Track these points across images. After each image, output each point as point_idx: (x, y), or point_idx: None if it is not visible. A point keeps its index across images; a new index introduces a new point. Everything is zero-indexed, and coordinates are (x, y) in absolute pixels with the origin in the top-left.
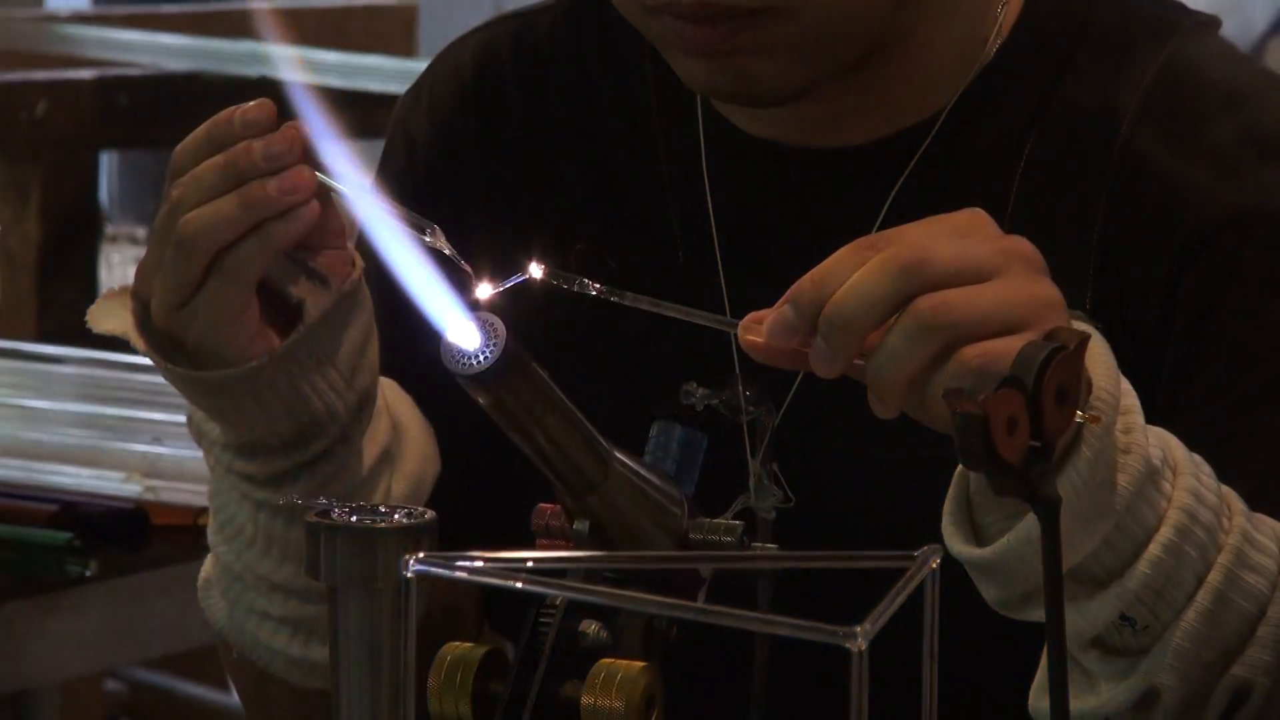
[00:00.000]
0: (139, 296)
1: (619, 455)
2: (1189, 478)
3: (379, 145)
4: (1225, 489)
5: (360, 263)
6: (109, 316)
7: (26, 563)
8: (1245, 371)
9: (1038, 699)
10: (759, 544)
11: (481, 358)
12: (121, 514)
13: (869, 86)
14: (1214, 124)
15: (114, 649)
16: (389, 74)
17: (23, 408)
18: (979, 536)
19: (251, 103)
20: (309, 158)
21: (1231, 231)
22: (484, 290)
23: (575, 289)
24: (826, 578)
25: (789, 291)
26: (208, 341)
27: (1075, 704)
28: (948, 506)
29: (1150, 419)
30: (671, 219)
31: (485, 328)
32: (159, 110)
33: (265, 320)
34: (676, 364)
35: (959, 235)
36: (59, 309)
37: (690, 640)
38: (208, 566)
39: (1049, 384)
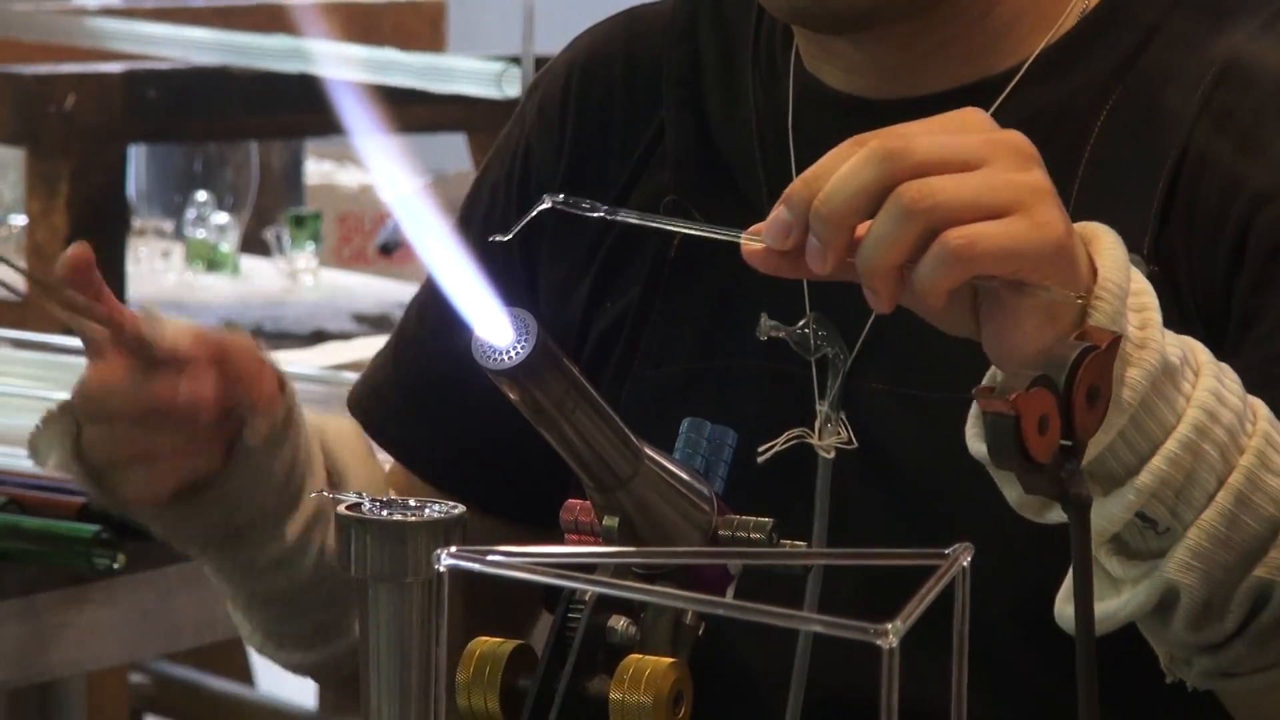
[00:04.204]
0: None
1: (648, 451)
2: (1210, 379)
3: (409, 140)
4: (1252, 398)
5: (291, 387)
6: (49, 448)
7: (54, 555)
8: None
9: (1063, 606)
10: (791, 542)
11: (513, 352)
12: None
13: (943, 27)
14: None
15: (140, 642)
16: (418, 69)
17: (49, 400)
18: None
19: None
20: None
21: None
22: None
23: (585, 213)
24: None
25: (784, 193)
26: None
27: (1098, 607)
28: (973, 415)
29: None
30: (759, 177)
31: (517, 322)
32: (188, 104)
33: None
34: (755, 310)
35: (949, 129)
36: None
37: (718, 636)
38: None
39: (1080, 383)
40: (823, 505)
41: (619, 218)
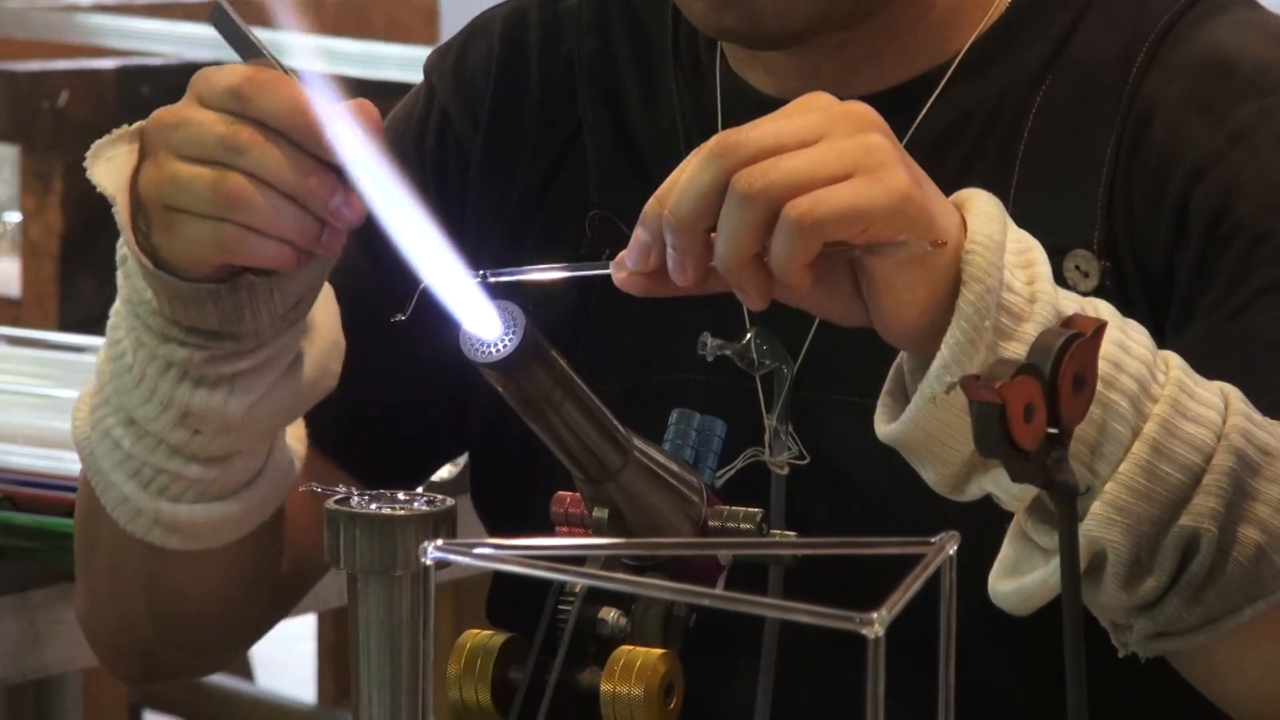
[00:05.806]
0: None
1: (638, 442)
2: (1114, 331)
3: None
4: (1164, 351)
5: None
6: (106, 164)
7: (48, 551)
8: (1246, 278)
9: (996, 581)
10: (777, 531)
11: (501, 345)
12: None
13: (877, 33)
14: (1220, 71)
15: None
16: (410, 63)
17: (45, 397)
18: None
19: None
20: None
21: (1235, 149)
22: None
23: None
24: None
25: (641, 213)
26: (173, 246)
27: (1027, 579)
28: (882, 398)
29: (1164, 337)
30: None
31: (505, 315)
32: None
33: None
34: (694, 322)
35: (788, 113)
36: (81, 298)
37: (709, 627)
38: (92, 381)
39: (1066, 371)
40: (778, 519)
41: (490, 279)
